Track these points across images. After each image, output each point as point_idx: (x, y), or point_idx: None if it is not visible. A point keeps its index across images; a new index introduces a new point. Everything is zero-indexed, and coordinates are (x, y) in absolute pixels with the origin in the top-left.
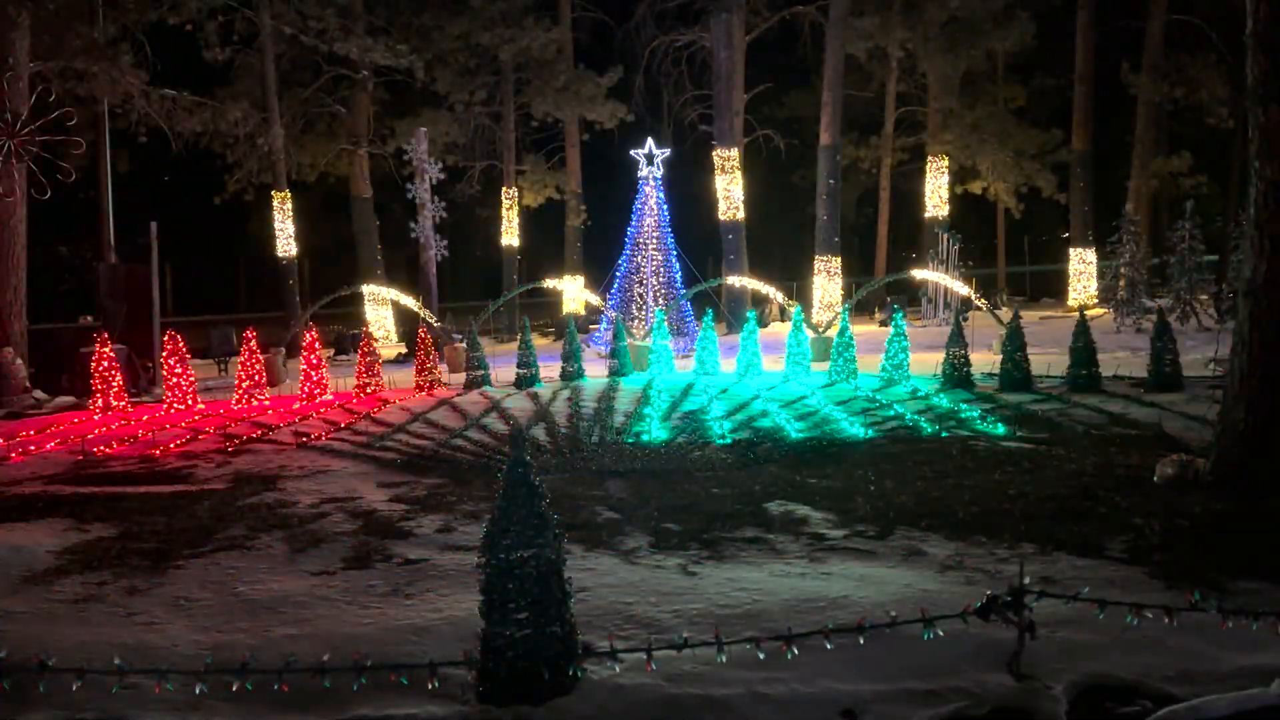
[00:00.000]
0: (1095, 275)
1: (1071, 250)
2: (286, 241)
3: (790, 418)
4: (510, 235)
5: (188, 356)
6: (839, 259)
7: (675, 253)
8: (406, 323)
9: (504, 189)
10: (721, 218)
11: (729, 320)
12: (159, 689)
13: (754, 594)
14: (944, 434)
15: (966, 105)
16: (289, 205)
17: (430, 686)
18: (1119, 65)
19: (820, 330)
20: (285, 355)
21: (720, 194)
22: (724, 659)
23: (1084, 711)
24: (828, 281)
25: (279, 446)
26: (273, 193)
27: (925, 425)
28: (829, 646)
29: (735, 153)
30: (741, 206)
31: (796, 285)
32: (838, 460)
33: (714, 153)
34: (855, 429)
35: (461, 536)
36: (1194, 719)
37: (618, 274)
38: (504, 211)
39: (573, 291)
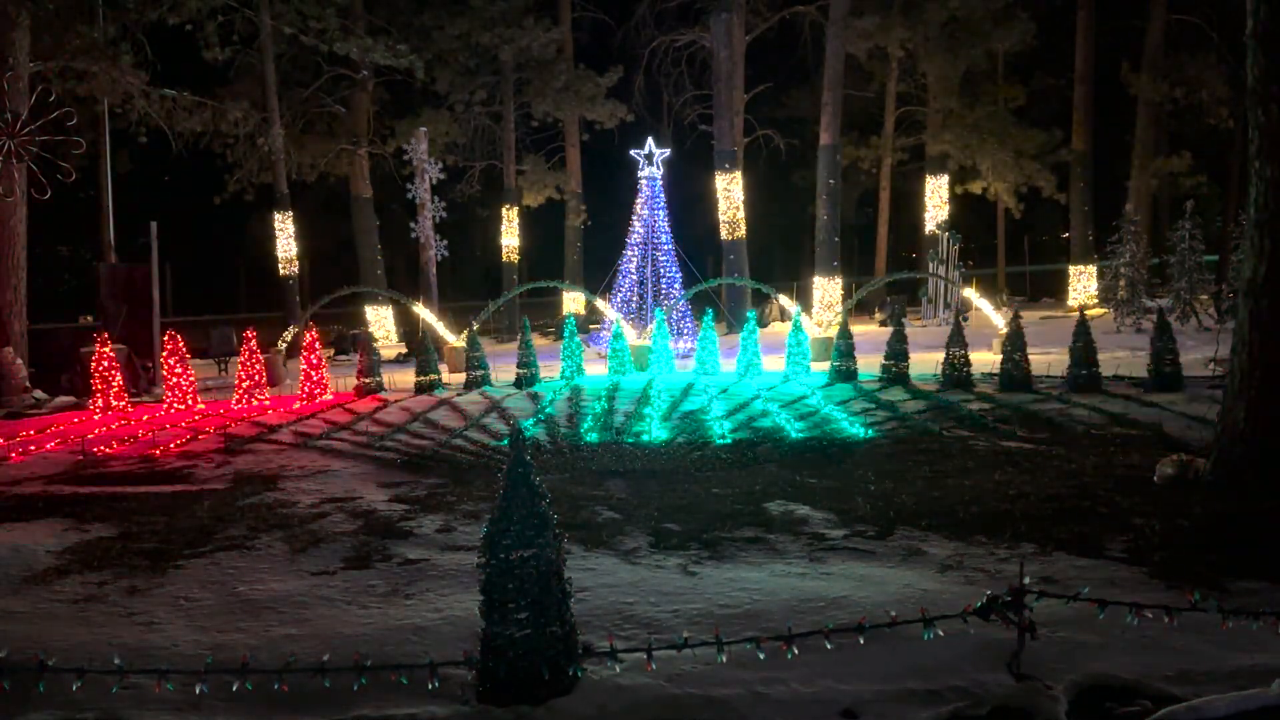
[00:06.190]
0: (1095, 275)
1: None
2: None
3: (790, 418)
4: (510, 235)
5: (188, 356)
6: (839, 259)
7: (675, 252)
8: (406, 323)
9: (504, 190)
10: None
11: (729, 320)
12: (159, 689)
13: (754, 594)
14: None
15: (966, 105)
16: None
17: (430, 686)
18: (1119, 65)
19: (821, 328)
20: (285, 355)
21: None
22: (724, 659)
23: (1084, 711)
24: (828, 281)
25: (279, 446)
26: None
27: (932, 427)
28: (829, 646)
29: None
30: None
31: (796, 285)
32: (838, 460)
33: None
34: (855, 429)
35: (461, 536)
36: (1194, 719)
37: (618, 274)
38: (504, 211)
39: (574, 292)
